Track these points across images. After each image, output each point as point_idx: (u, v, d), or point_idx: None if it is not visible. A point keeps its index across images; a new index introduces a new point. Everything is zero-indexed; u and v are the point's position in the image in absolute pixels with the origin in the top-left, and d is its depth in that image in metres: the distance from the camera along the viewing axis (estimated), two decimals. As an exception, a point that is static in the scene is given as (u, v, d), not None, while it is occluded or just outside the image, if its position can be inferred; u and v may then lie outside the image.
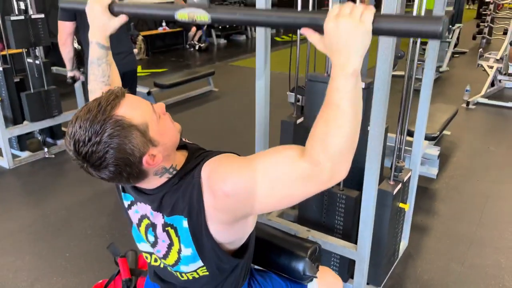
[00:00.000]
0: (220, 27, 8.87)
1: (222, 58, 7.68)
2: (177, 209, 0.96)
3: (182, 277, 1.09)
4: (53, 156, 3.52)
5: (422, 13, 1.79)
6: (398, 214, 1.97)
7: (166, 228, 1.00)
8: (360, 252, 1.76)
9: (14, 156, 3.39)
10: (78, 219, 2.65)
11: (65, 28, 2.68)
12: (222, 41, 9.03)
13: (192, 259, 1.02)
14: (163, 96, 4.91)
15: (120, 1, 1.11)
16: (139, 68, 6.91)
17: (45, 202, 2.83)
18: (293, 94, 2.09)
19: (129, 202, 1.07)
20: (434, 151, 2.91)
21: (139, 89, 4.46)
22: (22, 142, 3.52)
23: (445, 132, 3.97)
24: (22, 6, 3.30)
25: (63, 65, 3.87)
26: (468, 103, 4.82)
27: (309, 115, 1.89)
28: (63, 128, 3.87)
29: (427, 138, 3.22)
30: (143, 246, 1.13)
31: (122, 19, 1.11)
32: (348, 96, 0.79)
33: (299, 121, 2.06)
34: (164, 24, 8.13)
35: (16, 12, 3.29)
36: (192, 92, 5.26)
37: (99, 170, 0.86)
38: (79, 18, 2.66)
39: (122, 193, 1.08)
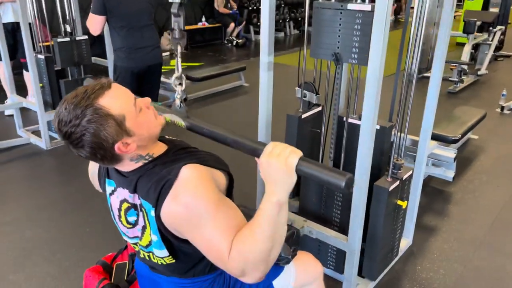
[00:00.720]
0: (258, 23, 8.98)
1: (258, 54, 7.77)
2: (148, 197, 1.06)
3: (154, 259, 1.17)
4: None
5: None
6: (396, 211, 2.00)
7: (142, 209, 1.10)
8: (351, 243, 1.81)
9: (52, 138, 3.67)
10: (100, 198, 2.82)
11: (97, 21, 2.90)
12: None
13: (159, 246, 1.11)
14: (195, 88, 5.09)
15: None
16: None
17: (73, 181, 3.06)
18: (300, 89, 2.16)
19: (112, 189, 1.17)
20: (451, 153, 2.87)
21: (171, 80, 4.65)
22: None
23: (472, 136, 3.88)
24: (68, 29, 3.64)
25: (104, 56, 4.15)
26: (502, 108, 4.66)
27: (316, 51, 1.89)
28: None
29: (448, 140, 3.20)
30: (124, 230, 1.21)
31: None
32: (269, 219, 0.96)
33: (304, 115, 2.12)
34: (203, 19, 8.34)
35: (63, 34, 3.64)
36: (224, 86, 5.41)
37: (77, 149, 1.00)
38: (109, 13, 2.89)
39: (107, 179, 1.19)
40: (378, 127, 1.98)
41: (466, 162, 3.45)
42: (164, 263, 1.16)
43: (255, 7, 8.93)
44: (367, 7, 1.67)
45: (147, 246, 1.16)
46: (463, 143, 3.80)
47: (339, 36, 1.79)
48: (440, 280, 2.14)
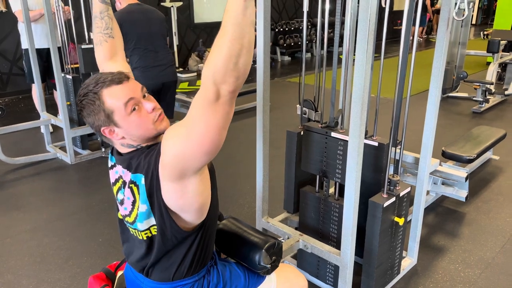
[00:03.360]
0: (285, 44, 9.14)
1: (283, 74, 7.91)
2: (139, 168, 1.18)
3: (139, 236, 1.27)
4: (108, 156, 3.95)
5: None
6: (393, 227, 2.00)
7: (131, 185, 1.21)
8: (343, 258, 1.83)
9: (76, 154, 3.87)
10: (116, 211, 2.98)
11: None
12: (286, 58, 9.28)
13: (147, 215, 1.20)
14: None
15: None
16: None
17: (93, 194, 3.22)
18: (300, 106, 2.23)
19: (112, 163, 1.31)
20: (462, 173, 2.82)
21: (192, 98, 4.82)
22: (85, 141, 4.01)
23: (492, 156, 3.79)
24: (92, 36, 3.85)
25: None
26: (528, 129, 4.51)
27: (306, 165, 2.13)
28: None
29: (463, 160, 3.15)
30: (118, 205, 1.33)
31: None
32: (234, 19, 0.90)
33: (303, 132, 2.18)
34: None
35: (87, 41, 3.89)
36: (244, 105, 5.52)
37: (82, 114, 1.20)
38: (124, 36, 3.07)
39: (110, 154, 1.33)
40: (376, 144, 2.02)
41: (484, 182, 3.37)
42: (150, 234, 1.24)
43: (281, 29, 9.11)
44: (347, 137, 1.79)
45: (133, 222, 1.26)
46: (482, 163, 3.71)
47: (325, 156, 2.01)
48: (442, 301, 2.10)
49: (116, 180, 1.28)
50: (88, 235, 2.70)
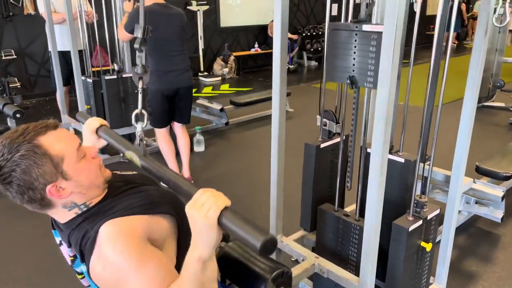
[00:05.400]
0: (312, 49, 8.97)
1: (308, 80, 7.74)
2: (77, 251, 1.02)
3: None
4: (126, 160, 3.88)
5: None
6: (420, 253, 1.82)
7: (82, 262, 1.05)
8: (362, 285, 1.66)
9: (94, 158, 3.83)
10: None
11: (126, 36, 3.16)
12: (313, 63, 9.10)
13: None
14: (238, 113, 5.13)
15: (105, 129, 1.33)
16: (226, 86, 7.31)
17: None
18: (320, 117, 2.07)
19: (59, 240, 1.15)
20: (498, 192, 2.59)
21: (214, 105, 4.73)
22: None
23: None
24: (116, 67, 3.87)
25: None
26: None
27: (331, 74, 1.81)
28: (140, 137, 4.29)
29: (499, 177, 2.91)
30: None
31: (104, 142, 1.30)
32: (192, 278, 0.88)
33: (323, 145, 2.02)
34: (256, 45, 8.48)
35: (111, 73, 3.88)
36: (268, 111, 5.39)
37: (4, 186, 0.94)
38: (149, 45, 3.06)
39: (53, 230, 1.17)
40: (402, 160, 1.84)
41: (522, 202, 3.11)
42: None
43: (308, 33, 8.94)
44: (382, 28, 1.57)
45: None
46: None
47: (354, 58, 1.70)
48: (473, 336, 1.89)
49: (67, 257, 1.14)
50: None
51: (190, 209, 0.87)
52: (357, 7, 1.77)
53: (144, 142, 1.18)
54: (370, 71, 1.65)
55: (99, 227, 0.98)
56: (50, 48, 4.20)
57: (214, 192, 0.88)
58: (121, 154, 4.03)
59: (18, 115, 3.35)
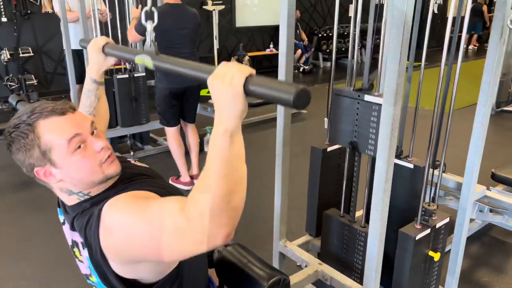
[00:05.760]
0: (328, 50, 8.88)
1: (323, 81, 7.66)
2: (81, 235, 0.99)
3: None
4: (137, 159, 3.89)
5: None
6: (427, 263, 1.75)
7: (84, 248, 1.01)
8: (365, 295, 1.61)
9: (105, 156, 3.85)
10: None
11: (135, 37, 3.12)
12: (329, 64, 9.00)
13: (100, 286, 1.03)
14: (250, 114, 5.06)
15: (111, 45, 1.27)
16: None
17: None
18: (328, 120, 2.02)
19: (62, 219, 1.12)
20: (513, 199, 2.50)
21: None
22: (114, 144, 3.99)
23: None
24: (128, 66, 3.89)
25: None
26: None
27: (334, 136, 1.81)
28: (151, 135, 4.31)
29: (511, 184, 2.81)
30: (78, 264, 1.14)
31: (114, 58, 1.28)
32: (220, 155, 0.79)
33: (330, 148, 1.98)
34: (271, 45, 8.44)
35: (123, 72, 3.89)
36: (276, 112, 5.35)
37: (10, 150, 0.99)
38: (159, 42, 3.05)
39: (58, 208, 1.14)
40: (411, 166, 1.79)
41: (539, 210, 2.99)
42: None
43: (324, 34, 8.86)
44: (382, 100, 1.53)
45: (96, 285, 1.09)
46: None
47: (356, 125, 1.71)
48: None
49: (68, 238, 1.11)
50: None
51: (213, 80, 0.80)
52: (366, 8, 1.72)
53: (155, 43, 1.11)
54: (371, 139, 1.66)
55: (103, 205, 0.95)
56: (64, 47, 4.25)
57: (237, 63, 0.83)
58: (132, 153, 4.01)
59: (30, 112, 3.38)
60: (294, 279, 1.74)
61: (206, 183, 0.80)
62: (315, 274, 1.79)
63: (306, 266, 1.84)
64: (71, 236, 1.07)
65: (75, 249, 1.08)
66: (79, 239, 1.02)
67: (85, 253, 0.99)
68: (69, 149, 0.95)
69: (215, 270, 1.40)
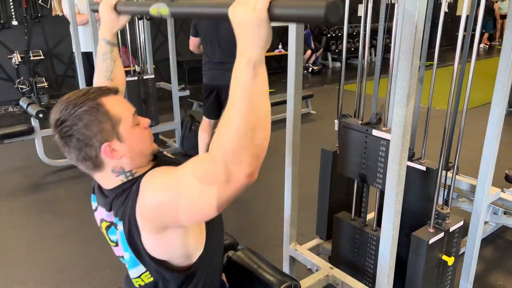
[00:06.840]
0: (337, 50, 8.83)
1: (332, 81, 7.61)
2: (118, 212, 1.01)
3: (135, 283, 1.12)
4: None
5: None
6: (441, 267, 1.72)
7: (117, 228, 1.05)
8: (377, 301, 1.58)
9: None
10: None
11: (192, 41, 3.35)
12: (338, 64, 8.96)
13: (133, 263, 1.05)
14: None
15: (123, 2, 1.26)
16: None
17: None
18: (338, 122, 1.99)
19: (95, 205, 1.15)
20: (529, 201, 2.45)
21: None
22: (124, 146, 4.00)
23: None
24: (137, 68, 3.88)
25: (168, 81, 4.35)
26: None
27: (343, 167, 1.81)
28: (160, 137, 4.31)
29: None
30: (113, 248, 1.17)
31: (126, 17, 1.29)
32: (243, 89, 0.76)
33: (340, 150, 1.95)
34: (280, 46, 8.41)
35: (132, 74, 3.88)
36: (289, 113, 5.32)
37: (64, 140, 0.96)
38: (200, 36, 3.27)
39: (92, 194, 1.17)
40: (423, 168, 1.75)
41: (555, 212, 2.93)
42: (143, 283, 1.10)
43: (333, 34, 8.81)
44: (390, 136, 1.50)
45: (129, 267, 1.11)
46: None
47: (364, 158, 1.70)
48: None
49: (100, 223, 1.13)
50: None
51: (235, 7, 0.76)
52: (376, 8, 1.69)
53: None
54: (379, 173, 1.65)
55: (141, 181, 0.97)
56: (74, 49, 4.27)
57: None
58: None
59: (40, 115, 3.40)
60: (304, 283, 1.72)
61: (229, 118, 0.77)
62: (326, 279, 1.77)
63: (317, 270, 1.82)
64: (106, 217, 1.08)
65: (109, 230, 1.09)
66: (113, 218, 1.04)
67: (120, 227, 1.01)
68: (133, 123, 1.01)
69: (224, 275, 1.39)
